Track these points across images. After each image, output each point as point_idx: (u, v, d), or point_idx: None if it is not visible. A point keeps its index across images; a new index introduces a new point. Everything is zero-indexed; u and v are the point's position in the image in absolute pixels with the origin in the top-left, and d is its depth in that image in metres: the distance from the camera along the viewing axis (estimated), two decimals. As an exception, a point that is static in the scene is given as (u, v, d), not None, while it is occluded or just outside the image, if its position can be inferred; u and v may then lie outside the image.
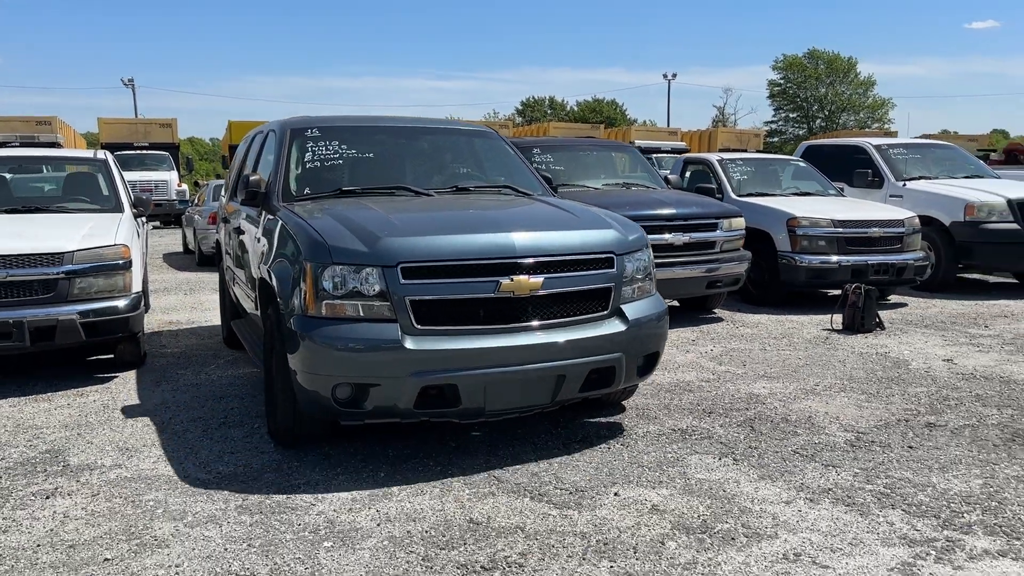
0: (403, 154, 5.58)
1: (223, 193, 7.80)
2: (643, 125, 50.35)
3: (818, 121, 68.97)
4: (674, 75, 59.01)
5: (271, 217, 4.77)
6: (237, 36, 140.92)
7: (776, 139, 65.52)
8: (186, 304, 9.68)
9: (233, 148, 25.72)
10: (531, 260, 4.01)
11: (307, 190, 5.02)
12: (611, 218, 4.62)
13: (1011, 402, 5.23)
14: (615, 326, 4.20)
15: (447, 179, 5.45)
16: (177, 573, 3.05)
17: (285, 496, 3.75)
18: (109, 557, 3.18)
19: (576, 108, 72.44)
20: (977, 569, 3.04)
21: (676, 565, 3.08)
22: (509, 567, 3.07)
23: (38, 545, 3.29)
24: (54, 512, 3.61)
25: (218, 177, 23.06)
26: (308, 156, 5.23)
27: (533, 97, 77.07)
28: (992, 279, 11.41)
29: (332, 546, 3.26)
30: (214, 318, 8.40)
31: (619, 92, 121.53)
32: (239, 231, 5.72)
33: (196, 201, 16.54)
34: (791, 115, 71.79)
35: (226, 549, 3.23)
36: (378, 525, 3.44)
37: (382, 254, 3.90)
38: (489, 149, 5.87)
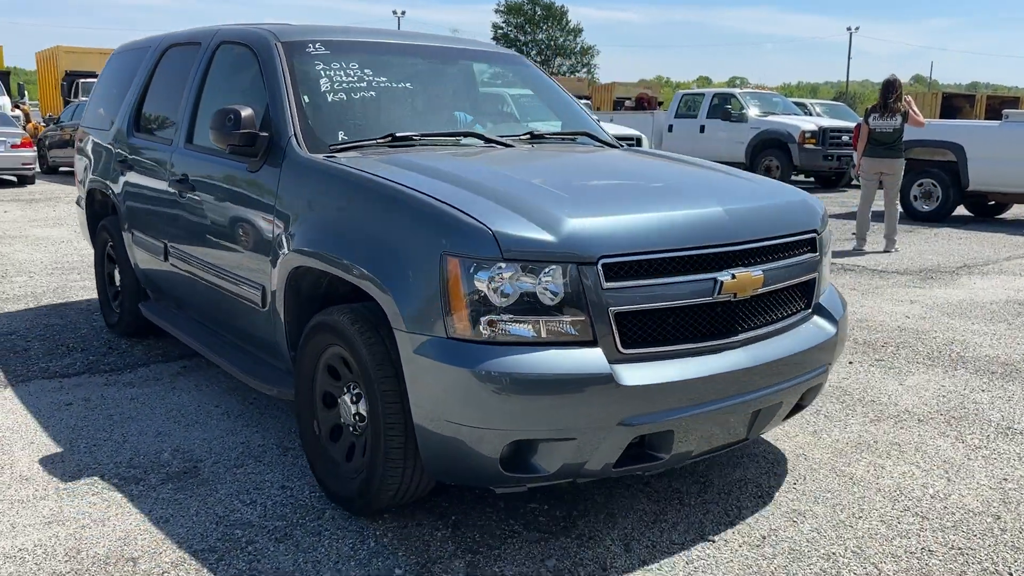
0: (443, 86, 4.12)
1: (90, 121, 5.77)
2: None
3: (536, 65, 73.97)
4: (403, 12, 61.10)
5: (295, 172, 3.25)
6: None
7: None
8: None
9: (73, 75, 22.38)
10: (748, 247, 2.90)
11: (342, 135, 3.49)
12: (785, 185, 3.55)
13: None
14: (824, 329, 3.20)
15: (504, 121, 4.11)
16: None
17: None
18: None
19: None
20: None
21: None
22: None
23: None
24: None
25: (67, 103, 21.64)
26: (325, 84, 3.63)
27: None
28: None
29: None
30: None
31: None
32: (188, 187, 3.99)
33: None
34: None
35: None
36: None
37: (576, 243, 2.59)
38: (530, 80, 4.52)
